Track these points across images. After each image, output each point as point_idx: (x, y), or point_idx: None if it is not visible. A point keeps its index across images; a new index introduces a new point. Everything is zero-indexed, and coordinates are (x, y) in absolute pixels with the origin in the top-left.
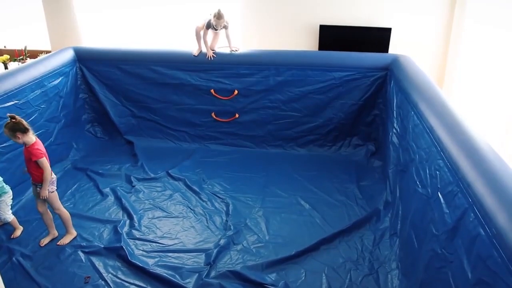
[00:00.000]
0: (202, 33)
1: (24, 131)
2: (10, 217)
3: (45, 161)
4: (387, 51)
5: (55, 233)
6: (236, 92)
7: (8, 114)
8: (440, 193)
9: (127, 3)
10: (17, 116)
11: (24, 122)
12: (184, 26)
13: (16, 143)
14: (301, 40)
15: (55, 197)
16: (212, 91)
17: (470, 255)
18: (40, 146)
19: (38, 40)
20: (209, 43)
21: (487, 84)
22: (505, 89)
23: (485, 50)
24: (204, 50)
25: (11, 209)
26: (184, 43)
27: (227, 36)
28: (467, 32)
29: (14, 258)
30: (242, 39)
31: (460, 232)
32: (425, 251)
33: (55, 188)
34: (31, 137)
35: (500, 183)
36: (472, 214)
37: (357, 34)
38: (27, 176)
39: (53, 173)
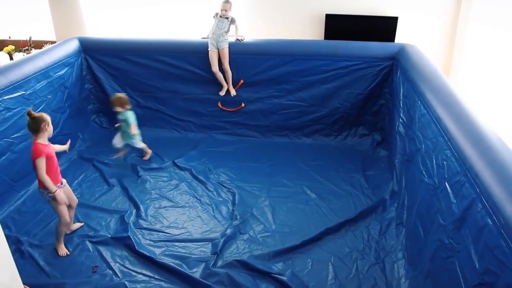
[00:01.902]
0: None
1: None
2: None
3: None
4: (393, 41)
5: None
6: (241, 81)
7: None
8: (448, 183)
9: None
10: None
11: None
12: (189, 16)
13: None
14: (307, 29)
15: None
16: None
17: (477, 245)
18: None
19: (43, 30)
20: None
21: (494, 73)
22: None
23: (493, 39)
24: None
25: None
26: (188, 33)
27: (236, 27)
28: (474, 21)
29: (22, 248)
30: (248, 28)
31: (468, 222)
32: (431, 241)
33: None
34: None
35: (508, 173)
36: (480, 204)
37: (363, 23)
38: None
39: None
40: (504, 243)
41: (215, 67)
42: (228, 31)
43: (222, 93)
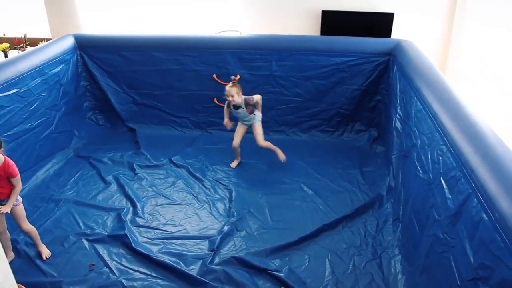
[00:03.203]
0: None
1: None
2: None
3: (19, 178)
4: (389, 37)
5: (12, 255)
6: (238, 76)
7: None
8: (443, 179)
9: None
10: None
11: None
12: (185, 12)
13: None
14: (303, 25)
15: (22, 211)
16: (214, 76)
17: (472, 240)
18: (11, 162)
19: (38, 27)
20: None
21: (490, 69)
22: (509, 74)
23: (489, 35)
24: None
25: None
26: (185, 29)
27: (258, 105)
28: (470, 16)
29: (18, 247)
30: (244, 24)
31: (463, 217)
32: (426, 236)
33: (21, 200)
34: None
35: (504, 168)
36: (475, 199)
37: (360, 19)
38: (30, 163)
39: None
40: (499, 237)
41: (235, 142)
42: (253, 112)
43: (233, 165)
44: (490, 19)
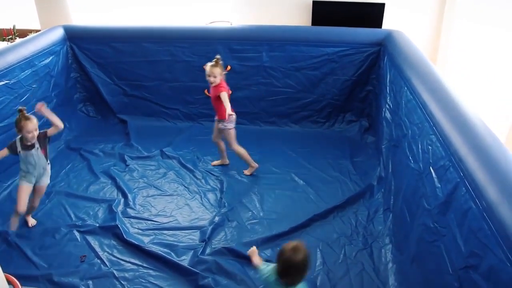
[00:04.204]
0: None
1: None
2: None
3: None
4: (380, 27)
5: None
6: (228, 67)
7: None
8: (432, 168)
9: None
10: None
11: None
12: (176, 3)
13: None
14: (294, 16)
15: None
16: (204, 67)
17: (462, 228)
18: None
19: (27, 19)
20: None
21: (480, 59)
22: (499, 64)
23: (479, 24)
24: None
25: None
26: (176, 19)
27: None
28: (461, 7)
29: (9, 239)
30: (235, 14)
31: (452, 206)
32: (417, 225)
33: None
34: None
35: (491, 158)
36: (463, 188)
37: (351, 10)
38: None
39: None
40: (486, 226)
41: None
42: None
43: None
44: (480, 11)
